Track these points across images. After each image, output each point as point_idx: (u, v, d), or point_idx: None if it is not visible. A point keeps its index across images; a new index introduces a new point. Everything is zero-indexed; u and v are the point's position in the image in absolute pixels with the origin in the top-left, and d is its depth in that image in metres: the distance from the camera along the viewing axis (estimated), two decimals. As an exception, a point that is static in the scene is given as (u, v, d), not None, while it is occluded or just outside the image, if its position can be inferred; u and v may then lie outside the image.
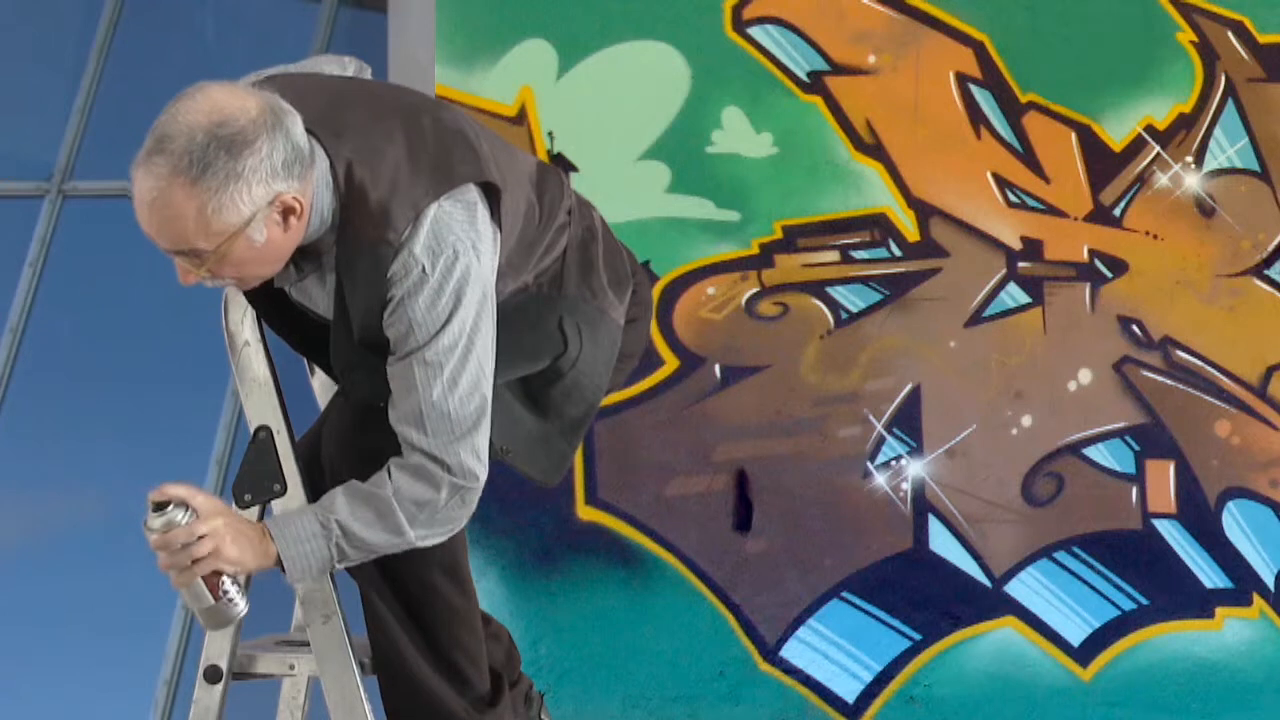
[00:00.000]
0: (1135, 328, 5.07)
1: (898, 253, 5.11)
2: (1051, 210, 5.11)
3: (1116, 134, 5.10)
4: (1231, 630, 4.98)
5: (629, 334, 2.96)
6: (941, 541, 5.03)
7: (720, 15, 5.17)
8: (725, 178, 5.14)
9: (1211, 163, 5.08)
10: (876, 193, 5.12)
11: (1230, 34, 5.10)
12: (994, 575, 5.03)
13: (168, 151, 2.40)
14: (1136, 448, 5.04)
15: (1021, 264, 5.10)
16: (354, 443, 2.67)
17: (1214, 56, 5.10)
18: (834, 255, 5.12)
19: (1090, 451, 5.04)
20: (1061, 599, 5.02)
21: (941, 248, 5.11)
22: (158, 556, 2.53)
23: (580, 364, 2.83)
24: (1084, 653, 5.01)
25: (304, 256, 2.58)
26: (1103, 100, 5.11)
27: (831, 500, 5.04)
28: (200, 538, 2.51)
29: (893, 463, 5.05)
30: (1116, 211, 5.09)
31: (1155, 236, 5.09)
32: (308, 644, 2.76)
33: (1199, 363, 5.05)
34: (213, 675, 2.76)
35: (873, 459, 5.05)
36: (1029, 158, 5.11)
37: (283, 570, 2.59)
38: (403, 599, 2.74)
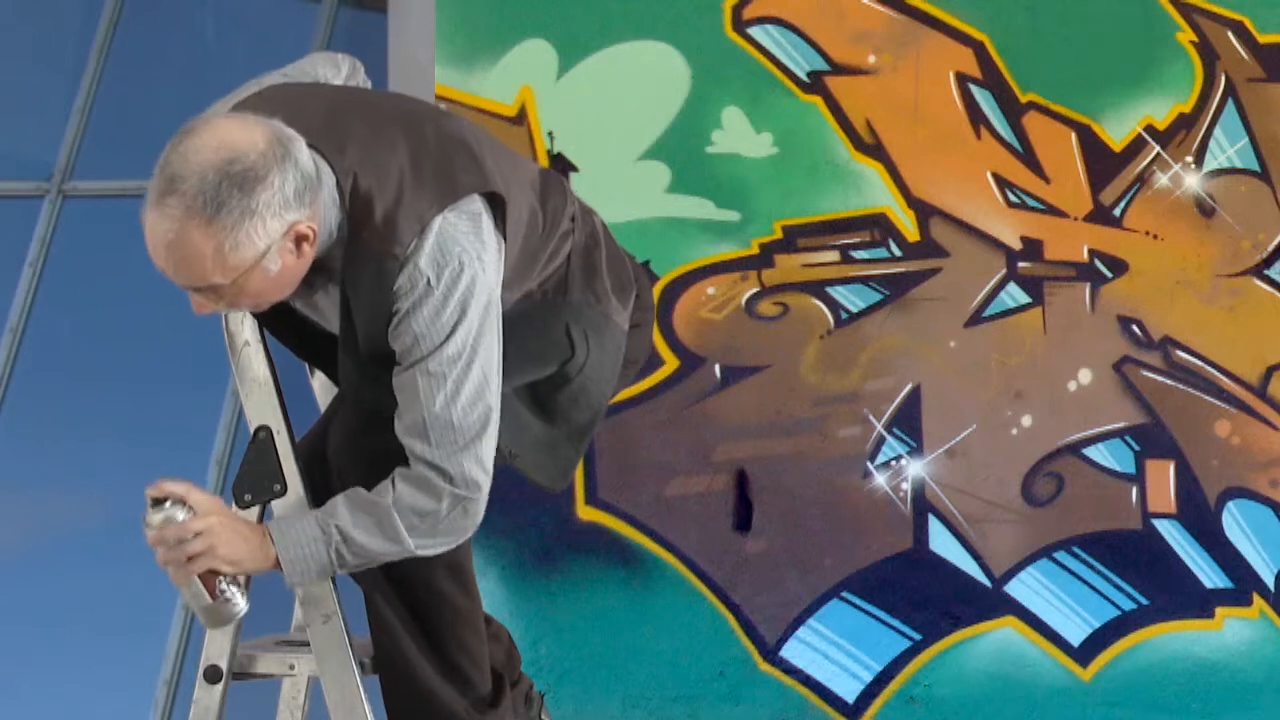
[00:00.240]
0: (1135, 328, 5.07)
1: (898, 253, 5.11)
2: (1051, 210, 5.11)
3: (1116, 134, 5.10)
4: (1231, 630, 4.98)
5: (632, 339, 2.96)
6: (941, 541, 5.03)
7: (720, 15, 5.17)
8: (725, 178, 5.14)
9: (1211, 163, 5.08)
10: (876, 193, 5.12)
11: (1230, 34, 5.10)
12: (994, 575, 5.03)
13: (180, 192, 2.39)
14: (1136, 448, 5.04)
15: (1021, 264, 5.10)
16: (362, 447, 2.67)
17: (1214, 56, 5.10)
18: (834, 255, 5.12)
19: (1090, 451, 5.04)
20: (1061, 599, 5.02)
21: (941, 248, 5.11)
22: (155, 552, 2.53)
23: (587, 369, 2.83)
24: (1084, 653, 5.01)
25: (313, 271, 2.58)
26: (1103, 100, 5.11)
27: (831, 500, 5.04)
28: (195, 535, 2.51)
29: (893, 463, 5.05)
30: (1116, 211, 5.09)
31: (1155, 236, 5.09)
32: (308, 644, 2.76)
33: (1199, 363, 5.05)
34: (213, 675, 2.76)
35: (873, 459, 5.05)
36: (1029, 158, 5.11)
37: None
38: (407, 600, 2.74)
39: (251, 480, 2.72)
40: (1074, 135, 5.11)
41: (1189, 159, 5.08)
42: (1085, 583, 5.02)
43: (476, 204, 2.59)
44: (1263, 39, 5.11)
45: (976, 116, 5.12)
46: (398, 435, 2.57)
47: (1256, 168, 5.08)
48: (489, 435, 2.58)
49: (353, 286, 2.55)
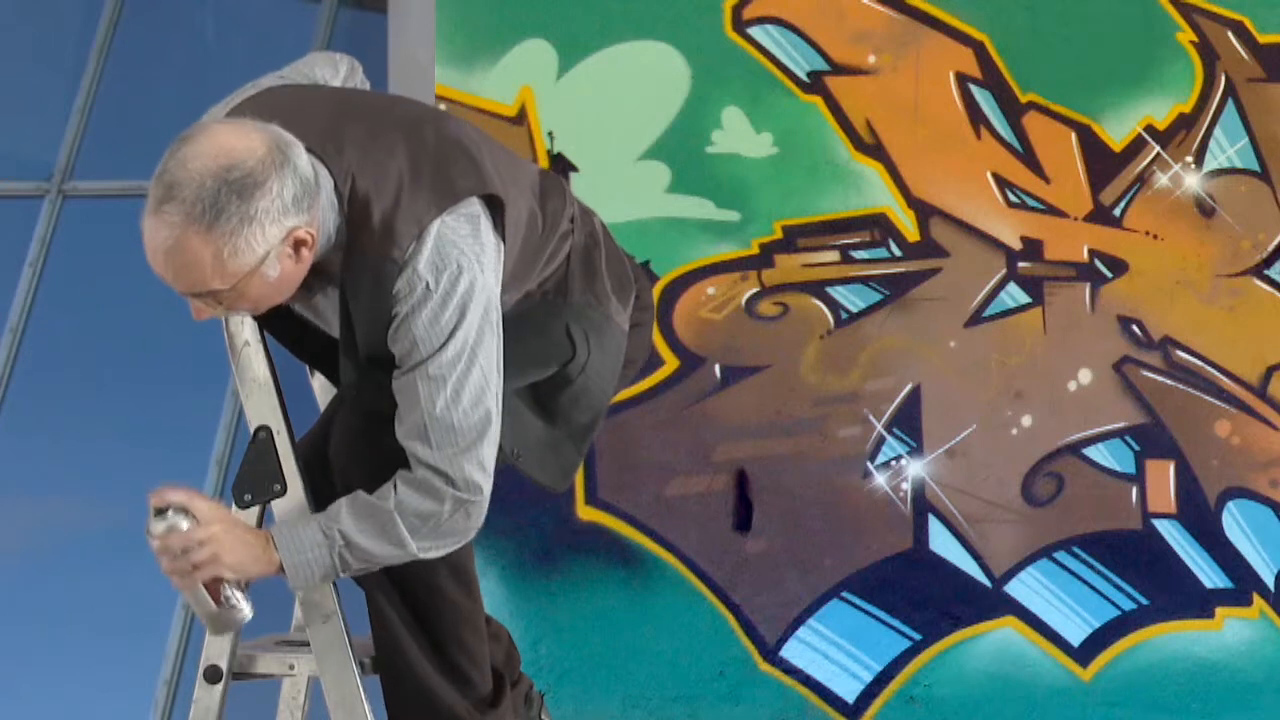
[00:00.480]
0: (1135, 328, 5.06)
1: (898, 253, 5.11)
2: (1051, 210, 5.11)
3: (1116, 134, 5.10)
4: (1231, 630, 4.98)
5: (632, 339, 2.96)
6: (941, 541, 5.03)
7: (720, 15, 5.17)
8: (725, 178, 5.14)
9: (1211, 163, 5.08)
10: (876, 193, 5.12)
11: (1230, 34, 5.10)
12: (994, 575, 5.03)
13: (178, 199, 2.39)
14: (1136, 448, 5.04)
15: (1021, 264, 5.10)
16: (363, 447, 2.67)
17: (1214, 56, 5.10)
18: (834, 255, 5.12)
19: (1090, 451, 5.04)
20: (1061, 599, 5.02)
21: (941, 248, 5.11)
22: (160, 561, 2.53)
23: (588, 370, 2.83)
24: (1084, 653, 5.01)
25: (312, 275, 2.58)
26: (1103, 100, 5.11)
27: (831, 500, 5.04)
28: (198, 544, 2.52)
29: (893, 463, 5.05)
30: (1116, 211, 5.09)
31: (1155, 236, 5.09)
32: (308, 644, 2.76)
33: (1199, 363, 5.05)
34: (213, 675, 2.76)
35: (873, 459, 5.05)
36: (1029, 158, 5.11)
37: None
38: (409, 600, 2.74)
39: (252, 480, 2.72)
40: (1074, 135, 5.11)
41: (1189, 159, 5.08)
42: (1085, 583, 5.02)
43: (475, 206, 2.59)
44: (1263, 39, 5.11)
45: (976, 116, 5.12)
46: (399, 438, 2.57)
47: (1256, 168, 5.08)
48: (490, 438, 2.58)
49: (352, 290, 2.55)
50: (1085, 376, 5.05)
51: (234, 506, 2.70)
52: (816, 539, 5.03)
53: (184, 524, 2.52)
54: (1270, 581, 5.00)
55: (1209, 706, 4.96)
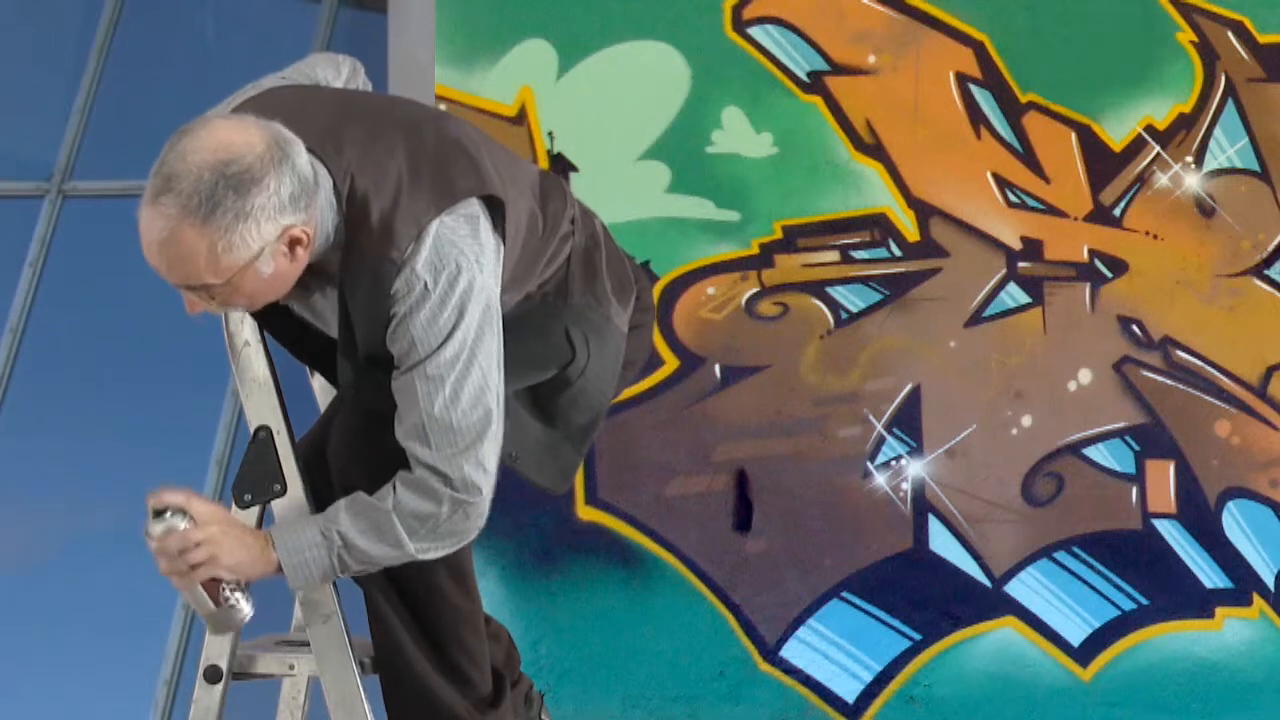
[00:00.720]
0: (1135, 328, 5.07)
1: (898, 253, 5.11)
2: (1051, 210, 5.11)
3: (1116, 134, 5.10)
4: (1231, 630, 4.98)
5: (632, 341, 2.96)
6: (941, 541, 5.03)
7: (720, 15, 5.17)
8: (725, 178, 5.14)
9: (1211, 163, 5.08)
10: (876, 193, 5.12)
11: (1230, 34, 5.10)
12: (994, 575, 5.03)
13: (175, 191, 2.39)
14: (1136, 448, 5.04)
15: (1021, 264, 5.10)
16: (362, 447, 2.67)
17: (1214, 56, 5.10)
18: (834, 255, 5.12)
19: (1090, 451, 5.04)
20: (1061, 599, 5.02)
21: (941, 248, 5.11)
22: (157, 562, 2.54)
23: (588, 372, 2.83)
24: (1084, 653, 5.01)
25: (310, 274, 2.58)
26: (1103, 100, 5.11)
27: (831, 500, 5.04)
28: (197, 544, 2.52)
29: (893, 463, 5.05)
30: (1116, 211, 5.09)
31: (1155, 236, 5.09)
32: (308, 644, 2.76)
33: (1199, 363, 5.05)
34: (213, 675, 2.76)
35: (873, 459, 5.05)
36: (1029, 158, 5.11)
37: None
38: (408, 601, 2.74)
39: (251, 480, 2.72)
40: (1074, 135, 5.11)
41: (1189, 159, 5.08)
42: (1085, 583, 5.02)
43: (474, 207, 2.59)
44: (1263, 39, 5.11)
45: (976, 116, 5.12)
46: (398, 439, 2.57)
47: (1256, 168, 5.08)
48: (490, 438, 2.58)
49: (350, 290, 2.55)
50: (1085, 376, 5.06)
51: (234, 506, 2.70)
52: (816, 539, 5.03)
53: (182, 525, 2.52)
54: (1270, 581, 5.00)
55: (1209, 706, 4.96)
